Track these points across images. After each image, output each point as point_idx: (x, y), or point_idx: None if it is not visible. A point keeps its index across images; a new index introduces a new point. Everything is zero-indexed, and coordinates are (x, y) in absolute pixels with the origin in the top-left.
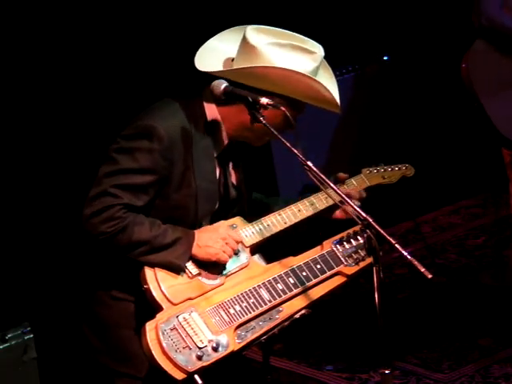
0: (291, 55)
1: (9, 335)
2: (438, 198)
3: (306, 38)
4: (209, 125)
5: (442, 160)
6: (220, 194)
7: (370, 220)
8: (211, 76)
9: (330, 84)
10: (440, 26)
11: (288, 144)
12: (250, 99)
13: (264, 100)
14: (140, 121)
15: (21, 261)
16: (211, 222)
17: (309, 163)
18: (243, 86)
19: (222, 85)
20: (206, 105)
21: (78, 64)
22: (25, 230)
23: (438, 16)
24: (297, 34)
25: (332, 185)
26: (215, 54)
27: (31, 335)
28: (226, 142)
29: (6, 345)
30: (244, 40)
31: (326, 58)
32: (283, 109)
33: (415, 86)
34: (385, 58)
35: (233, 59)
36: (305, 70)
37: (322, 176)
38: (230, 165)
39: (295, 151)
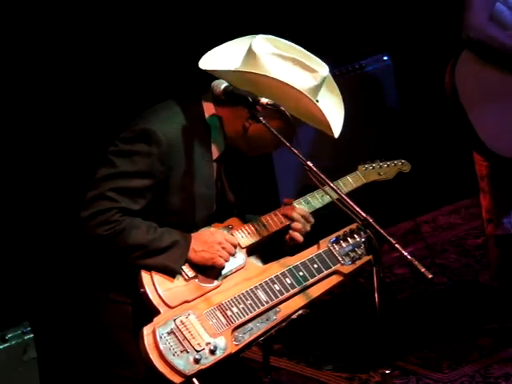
0: (290, 69)
1: (9, 335)
2: (437, 198)
3: (313, 56)
4: (208, 128)
5: (442, 159)
6: (217, 197)
7: (370, 220)
8: (212, 79)
9: (330, 106)
10: (440, 26)
11: (288, 144)
12: (250, 99)
13: (264, 100)
14: (139, 124)
15: (21, 261)
16: (208, 225)
17: (309, 163)
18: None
19: (223, 84)
20: (205, 108)
21: (77, 66)
22: (25, 231)
23: (438, 16)
24: (305, 51)
25: (332, 185)
26: (222, 56)
27: (31, 335)
28: (224, 145)
29: (6, 345)
30: (249, 46)
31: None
32: (283, 108)
33: (415, 86)
34: (385, 58)
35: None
36: (299, 86)
37: (322, 176)
38: (229, 168)
39: (295, 151)
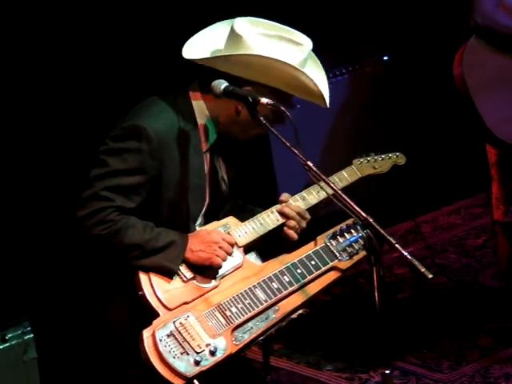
0: (277, 45)
1: (9, 335)
2: (438, 198)
3: (294, 31)
4: (197, 120)
5: (442, 159)
6: (210, 189)
7: (370, 220)
8: (198, 70)
9: (317, 77)
10: (440, 26)
11: (288, 143)
12: (250, 99)
13: (264, 100)
14: (128, 121)
15: (22, 261)
16: (205, 218)
17: (309, 163)
18: (228, 75)
19: (222, 85)
20: (193, 100)
21: (67, 66)
22: (26, 231)
23: (439, 16)
24: (286, 27)
25: (332, 185)
26: (204, 43)
27: (31, 335)
28: (214, 136)
29: (7, 345)
30: (231, 30)
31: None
32: (283, 108)
33: (415, 86)
34: (385, 58)
35: (221, 50)
36: (289, 61)
37: (322, 176)
38: (221, 159)
39: (295, 151)
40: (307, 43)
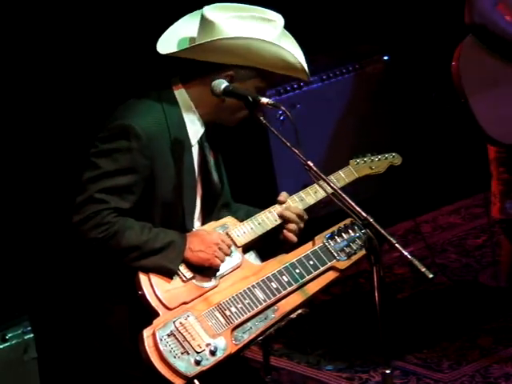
0: (250, 25)
1: (9, 335)
2: (438, 198)
3: (264, 9)
4: (183, 114)
5: (442, 159)
6: (201, 180)
7: (370, 220)
8: (177, 64)
9: (295, 51)
10: (440, 26)
11: (288, 143)
12: (250, 99)
13: (264, 100)
14: (115, 121)
15: (21, 261)
16: (203, 212)
17: (309, 163)
18: (207, 63)
19: (222, 85)
20: (177, 95)
21: (54, 69)
22: (25, 232)
23: (438, 15)
24: (254, 6)
25: (332, 185)
26: (177, 36)
27: (31, 335)
28: (202, 128)
29: (7, 344)
30: (202, 18)
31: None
32: (283, 108)
33: (415, 86)
34: (385, 58)
35: (195, 39)
36: (266, 37)
37: (323, 176)
38: (210, 151)
39: (295, 151)
40: (279, 19)
